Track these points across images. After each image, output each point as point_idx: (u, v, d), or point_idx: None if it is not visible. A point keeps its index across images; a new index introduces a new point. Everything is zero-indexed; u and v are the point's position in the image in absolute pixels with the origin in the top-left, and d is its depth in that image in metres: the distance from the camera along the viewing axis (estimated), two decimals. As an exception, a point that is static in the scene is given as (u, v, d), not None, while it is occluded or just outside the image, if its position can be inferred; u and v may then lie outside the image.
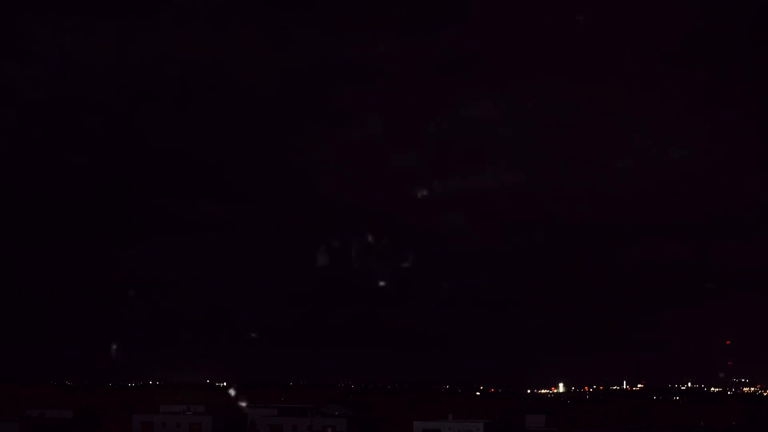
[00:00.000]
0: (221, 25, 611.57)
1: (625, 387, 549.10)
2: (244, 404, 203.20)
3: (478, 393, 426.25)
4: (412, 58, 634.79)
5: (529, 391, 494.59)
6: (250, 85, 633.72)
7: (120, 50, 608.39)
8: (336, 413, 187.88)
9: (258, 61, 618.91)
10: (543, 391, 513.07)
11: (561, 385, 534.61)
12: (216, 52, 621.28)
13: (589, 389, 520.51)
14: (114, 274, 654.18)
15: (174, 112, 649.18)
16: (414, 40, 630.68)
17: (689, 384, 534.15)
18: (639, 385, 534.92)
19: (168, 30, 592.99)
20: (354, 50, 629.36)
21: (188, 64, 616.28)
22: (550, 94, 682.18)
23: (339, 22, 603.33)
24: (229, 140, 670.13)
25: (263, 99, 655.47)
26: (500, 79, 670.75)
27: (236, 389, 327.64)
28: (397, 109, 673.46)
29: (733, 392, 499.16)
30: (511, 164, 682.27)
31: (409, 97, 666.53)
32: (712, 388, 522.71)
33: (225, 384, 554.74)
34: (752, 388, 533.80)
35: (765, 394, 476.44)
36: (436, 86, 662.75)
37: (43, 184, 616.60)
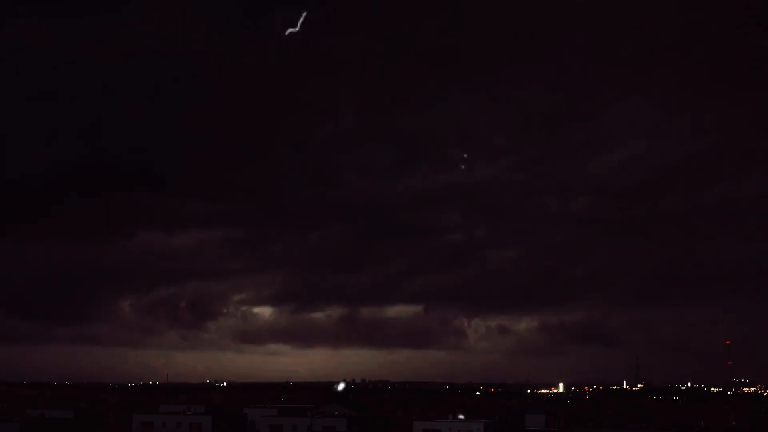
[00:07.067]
0: (196, 19, 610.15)
1: (625, 387, 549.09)
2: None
3: (478, 393, 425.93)
4: (388, 53, 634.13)
5: (529, 391, 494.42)
6: (220, 80, 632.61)
7: (91, 46, 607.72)
8: (336, 413, 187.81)
9: (230, 55, 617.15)
10: (543, 391, 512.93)
11: (561, 385, 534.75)
12: (189, 48, 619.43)
13: (589, 389, 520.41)
14: (100, 267, 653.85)
15: (144, 108, 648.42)
16: (391, 34, 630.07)
17: (689, 384, 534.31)
18: (639, 385, 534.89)
19: (140, 26, 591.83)
20: (330, 45, 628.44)
21: (159, 60, 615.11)
22: (534, 88, 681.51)
23: (315, 16, 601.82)
24: (204, 137, 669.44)
25: (236, 94, 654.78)
26: (482, 74, 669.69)
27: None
28: (372, 103, 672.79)
29: (733, 392, 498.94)
30: (496, 160, 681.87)
31: (386, 92, 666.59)
32: (712, 388, 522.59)
33: (225, 384, 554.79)
34: (752, 388, 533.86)
35: (765, 394, 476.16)
36: (414, 80, 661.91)
37: (16, 178, 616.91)
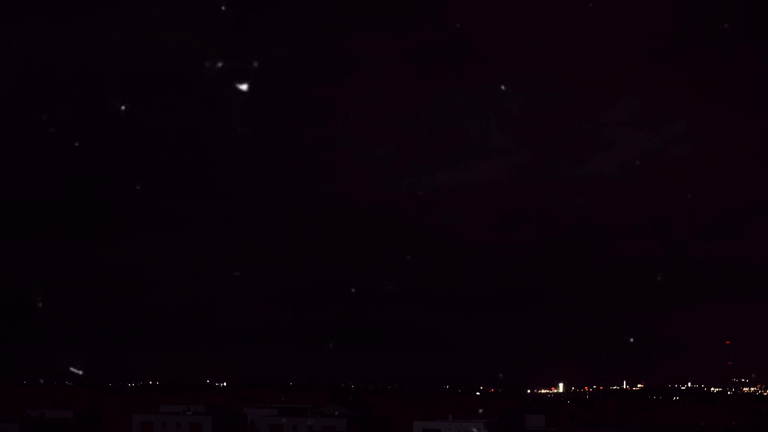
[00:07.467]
0: (192, 19, 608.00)
1: (625, 387, 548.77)
2: None
3: (478, 393, 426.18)
4: (388, 53, 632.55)
5: (529, 391, 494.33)
6: (222, 81, 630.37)
7: (86, 44, 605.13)
8: (336, 413, 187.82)
9: (231, 56, 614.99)
10: (543, 391, 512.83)
11: (561, 385, 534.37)
12: (186, 47, 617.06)
13: (589, 389, 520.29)
14: (93, 270, 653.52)
15: (145, 107, 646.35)
16: (390, 34, 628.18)
17: (689, 384, 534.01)
18: (639, 385, 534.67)
19: (141, 24, 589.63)
20: (329, 45, 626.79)
21: (158, 59, 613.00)
22: (535, 88, 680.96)
23: (313, 17, 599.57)
24: (203, 137, 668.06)
25: (237, 95, 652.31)
26: (482, 73, 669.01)
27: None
28: (373, 104, 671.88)
29: (733, 392, 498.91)
30: (495, 159, 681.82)
31: (386, 92, 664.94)
32: (712, 388, 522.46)
33: (225, 384, 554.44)
34: (752, 388, 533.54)
35: (765, 394, 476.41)
36: (413, 80, 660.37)
37: (12, 179, 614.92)
